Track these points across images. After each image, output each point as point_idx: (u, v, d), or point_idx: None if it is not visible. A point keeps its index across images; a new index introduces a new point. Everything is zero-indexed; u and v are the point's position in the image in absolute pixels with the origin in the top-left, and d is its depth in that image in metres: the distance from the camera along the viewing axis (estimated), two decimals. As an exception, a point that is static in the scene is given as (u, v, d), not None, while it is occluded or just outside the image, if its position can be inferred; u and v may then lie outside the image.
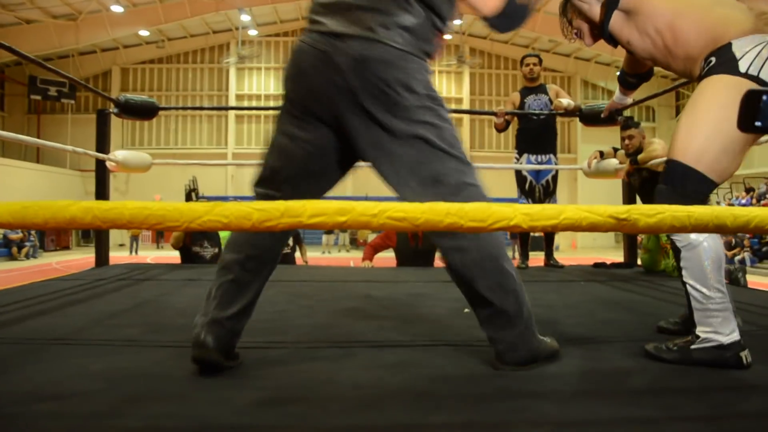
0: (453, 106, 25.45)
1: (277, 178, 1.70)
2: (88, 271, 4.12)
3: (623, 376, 1.58)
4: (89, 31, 23.72)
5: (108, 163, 4.20)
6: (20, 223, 0.74)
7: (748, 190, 20.10)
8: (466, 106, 28.19)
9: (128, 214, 0.73)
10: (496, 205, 0.80)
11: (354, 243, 25.42)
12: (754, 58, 1.63)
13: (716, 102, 1.66)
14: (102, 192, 4.49)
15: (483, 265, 1.62)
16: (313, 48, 1.56)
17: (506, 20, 1.66)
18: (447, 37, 27.60)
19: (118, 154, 4.13)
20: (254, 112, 28.23)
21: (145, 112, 4.32)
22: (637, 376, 1.57)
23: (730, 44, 1.68)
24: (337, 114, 1.58)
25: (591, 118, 4.57)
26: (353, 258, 19.19)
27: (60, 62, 25.72)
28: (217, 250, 5.80)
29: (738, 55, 1.66)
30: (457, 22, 25.12)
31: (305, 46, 1.59)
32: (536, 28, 24.39)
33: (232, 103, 27.47)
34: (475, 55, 28.02)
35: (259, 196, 1.75)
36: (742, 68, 1.64)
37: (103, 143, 4.48)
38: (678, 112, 24.39)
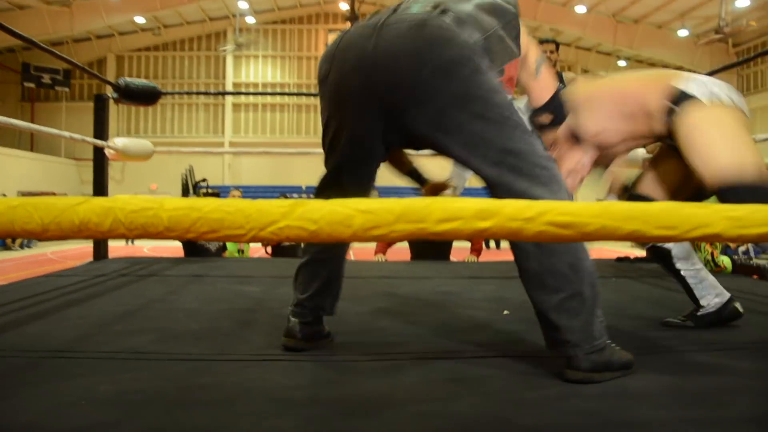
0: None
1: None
2: (86, 266, 3.87)
3: (721, 395, 1.34)
4: (84, 17, 23.26)
5: (107, 151, 3.94)
6: (7, 231, 0.49)
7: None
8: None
9: (167, 218, 0.49)
10: (689, 206, 0.56)
11: (353, 233, 25.16)
12: (704, 90, 1.76)
13: (720, 123, 1.75)
14: (100, 182, 4.23)
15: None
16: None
17: (543, 111, 1.72)
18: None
19: (117, 142, 3.87)
20: (251, 100, 27.84)
21: (146, 97, 4.05)
22: (739, 396, 1.33)
23: (679, 89, 1.78)
24: None
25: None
26: (354, 249, 18.95)
27: (54, 49, 25.19)
28: (218, 242, 5.56)
29: (691, 92, 1.76)
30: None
31: None
32: (537, 17, 24.06)
33: (229, 90, 27.10)
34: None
35: None
36: (705, 100, 1.75)
37: (101, 130, 4.22)
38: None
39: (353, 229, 0.48)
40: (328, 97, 1.56)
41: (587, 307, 1.42)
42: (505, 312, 2.33)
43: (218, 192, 5.74)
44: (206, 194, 5.31)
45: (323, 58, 1.58)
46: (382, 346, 1.79)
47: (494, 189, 1.44)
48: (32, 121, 26.45)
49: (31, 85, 24.49)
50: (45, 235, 0.50)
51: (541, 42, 4.74)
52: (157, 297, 2.60)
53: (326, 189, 1.69)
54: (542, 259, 1.42)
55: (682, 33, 22.97)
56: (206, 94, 24.24)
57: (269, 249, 6.38)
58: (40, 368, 1.52)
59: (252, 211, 0.49)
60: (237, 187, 6.44)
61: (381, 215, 0.48)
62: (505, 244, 20.02)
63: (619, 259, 4.53)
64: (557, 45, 4.65)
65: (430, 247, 4.93)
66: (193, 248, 5.34)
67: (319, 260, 1.72)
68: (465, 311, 2.36)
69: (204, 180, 6.01)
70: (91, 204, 0.50)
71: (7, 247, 18.19)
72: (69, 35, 24.33)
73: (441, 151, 1.50)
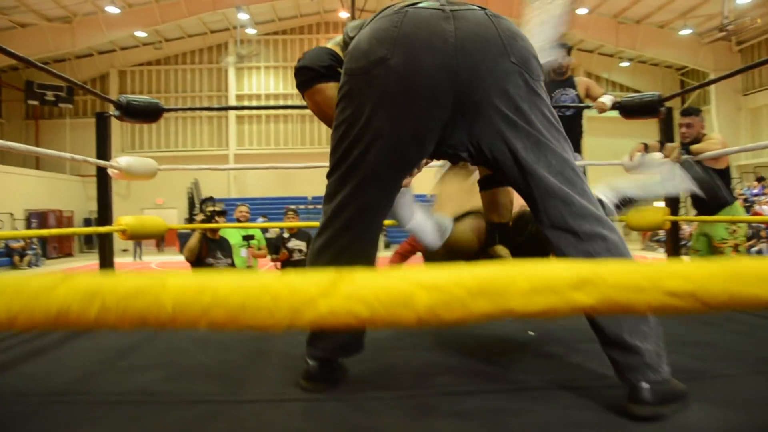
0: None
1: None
2: (91, 290, 3.76)
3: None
4: (85, 33, 23.30)
5: (110, 171, 3.83)
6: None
7: (759, 179, 19.68)
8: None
9: (172, 305, 0.37)
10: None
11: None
12: None
13: None
14: (104, 202, 4.12)
15: (627, 256, 1.37)
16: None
17: None
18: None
19: (121, 161, 3.76)
20: (255, 112, 27.82)
21: (148, 114, 3.94)
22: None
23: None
24: None
25: (633, 109, 4.20)
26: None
27: (56, 66, 25.31)
28: (230, 260, 5.44)
29: None
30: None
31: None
32: (539, 20, 23.97)
33: (232, 103, 27.05)
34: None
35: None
36: None
37: (103, 149, 4.10)
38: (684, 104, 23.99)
39: (417, 312, 0.36)
40: (382, 86, 1.33)
41: (654, 330, 1.31)
42: (531, 333, 2.20)
43: (225, 210, 5.61)
44: (213, 213, 5.18)
45: (374, 40, 1.34)
46: (408, 379, 1.67)
47: (551, 199, 1.34)
48: (37, 139, 26.54)
49: (35, 102, 24.54)
50: (13, 326, 0.38)
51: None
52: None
53: (347, 208, 1.47)
54: None
55: (685, 32, 22.81)
56: (209, 109, 23.95)
57: (278, 264, 6.27)
58: (40, 416, 1.40)
59: (281, 291, 0.37)
60: (244, 202, 6.32)
61: (452, 291, 0.36)
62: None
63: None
64: (569, 49, 4.53)
65: (446, 262, 4.81)
66: (201, 267, 5.21)
67: None
68: (489, 331, 2.23)
69: (210, 198, 5.87)
70: (73, 285, 0.38)
71: (15, 266, 18.14)
72: (71, 52, 24.38)
73: (498, 158, 1.37)
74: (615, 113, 4.29)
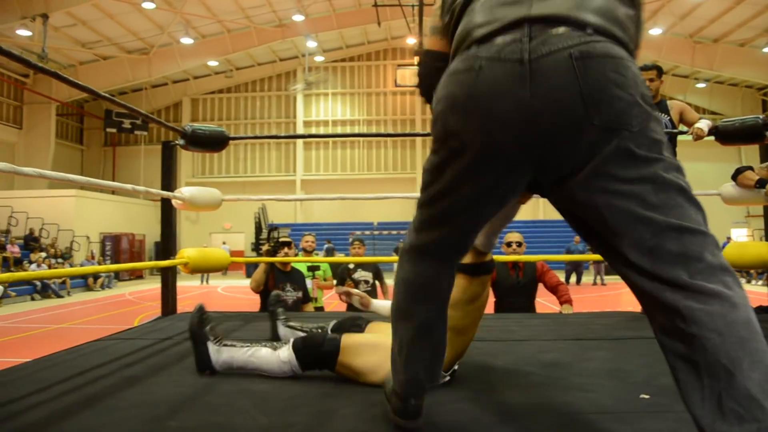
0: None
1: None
2: (152, 324, 3.65)
3: None
4: (161, 63, 24.22)
5: (174, 202, 3.74)
6: None
7: None
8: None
9: None
10: None
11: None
12: None
13: None
14: (168, 233, 4.04)
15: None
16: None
17: None
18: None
19: (185, 192, 3.67)
20: (322, 138, 28.15)
21: (213, 143, 3.84)
22: None
23: None
24: None
25: (733, 135, 3.82)
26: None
27: (134, 95, 26.40)
28: (301, 293, 5.28)
29: None
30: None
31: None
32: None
33: (300, 129, 27.44)
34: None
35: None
36: None
37: (168, 179, 4.03)
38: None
39: None
40: (460, 158, 1.24)
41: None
42: (644, 396, 1.89)
43: (291, 241, 5.47)
44: (277, 243, 5.05)
45: (447, 108, 1.24)
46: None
47: (644, 297, 1.12)
48: (114, 164, 27.64)
49: (113, 130, 25.58)
50: None
51: (641, 69, 4.28)
52: (224, 375, 2.29)
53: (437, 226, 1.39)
54: (724, 369, 1.00)
55: (768, 50, 21.72)
56: (276, 137, 24.43)
57: (344, 297, 6.08)
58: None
59: None
60: (309, 228, 6.16)
61: None
62: (588, 278, 19.05)
63: (761, 309, 3.95)
64: (660, 71, 4.18)
65: (515, 291, 4.51)
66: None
67: (430, 326, 1.46)
68: (582, 394, 1.93)
69: (276, 229, 5.80)
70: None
71: (89, 288, 18.71)
72: (147, 81, 25.39)
73: (580, 219, 1.22)
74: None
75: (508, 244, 4.59)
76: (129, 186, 3.01)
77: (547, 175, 1.20)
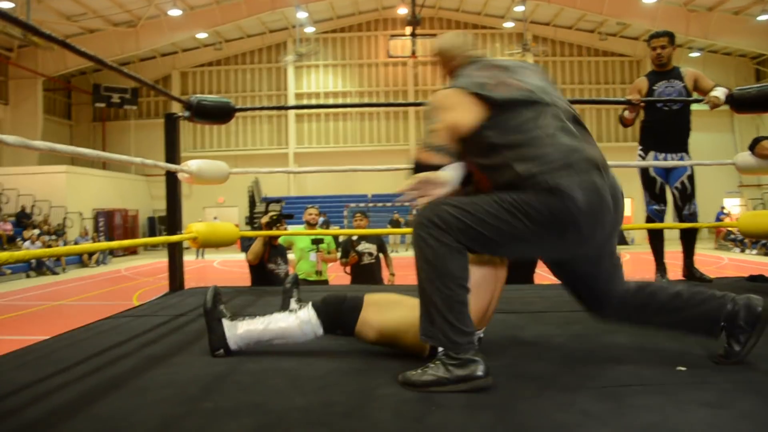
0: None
1: None
2: (162, 300, 3.58)
3: None
4: (149, 36, 23.76)
5: (180, 176, 3.65)
6: None
7: None
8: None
9: None
10: None
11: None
12: None
13: None
14: (174, 208, 3.94)
15: None
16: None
17: None
18: (509, 24, 26.58)
19: (192, 165, 3.57)
20: (314, 110, 27.86)
21: (219, 114, 3.75)
22: None
23: None
24: None
25: (749, 102, 3.75)
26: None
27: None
28: (288, 267, 5.28)
29: None
30: (519, 8, 24.09)
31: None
32: (604, 11, 23.10)
33: (291, 102, 27.11)
34: (539, 42, 26.85)
35: None
36: None
37: (172, 152, 3.92)
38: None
39: None
40: (570, 242, 1.80)
41: None
42: (681, 368, 1.86)
43: (292, 214, 5.41)
44: (279, 216, 4.97)
45: (582, 216, 1.75)
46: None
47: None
48: (104, 140, 27.29)
49: (102, 105, 25.19)
50: None
51: (651, 37, 4.19)
52: (240, 353, 2.23)
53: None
54: None
55: (763, 18, 21.48)
56: (276, 108, 23.86)
57: (348, 268, 6.04)
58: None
59: None
60: (305, 201, 6.10)
61: None
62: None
63: (752, 278, 3.94)
64: (672, 38, 4.10)
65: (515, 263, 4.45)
66: (264, 275, 5.02)
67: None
68: (619, 366, 1.89)
69: (277, 200, 5.69)
70: None
71: (83, 264, 18.59)
72: (135, 54, 24.93)
73: (582, 274, 1.97)
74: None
75: None
76: (138, 159, 2.92)
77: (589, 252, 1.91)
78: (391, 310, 2.05)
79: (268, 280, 4.93)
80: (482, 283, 2.00)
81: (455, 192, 1.91)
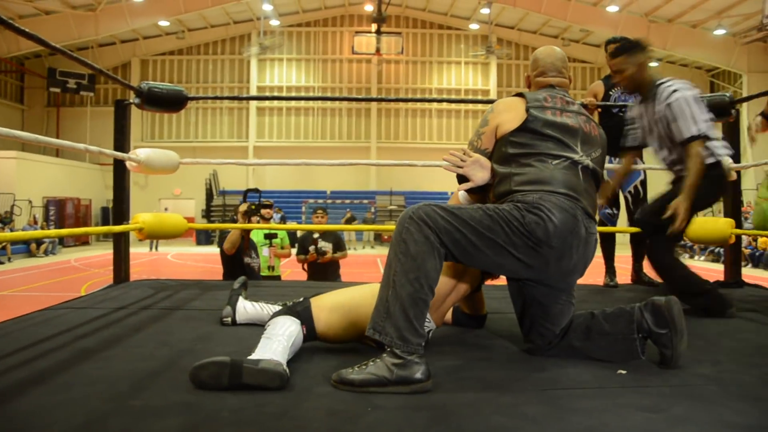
0: (480, 98, 24.47)
1: None
2: (105, 292, 3.47)
3: None
4: (108, 21, 23.16)
5: (128, 164, 3.53)
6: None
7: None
8: (493, 97, 27.27)
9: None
10: None
11: (379, 239, 24.69)
12: None
13: None
14: (121, 197, 3.83)
15: None
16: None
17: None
18: (474, 26, 26.75)
19: (140, 153, 3.46)
20: (276, 104, 27.58)
21: (171, 102, 3.64)
22: None
23: None
24: None
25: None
26: (380, 256, 18.54)
27: (79, 54, 25.16)
28: (259, 261, 5.21)
29: None
30: (485, 11, 24.28)
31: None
32: (568, 17, 23.45)
33: (254, 94, 26.79)
34: (503, 45, 27.11)
35: None
36: None
37: (122, 140, 3.81)
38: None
39: None
40: (541, 259, 1.90)
41: None
42: (621, 371, 1.87)
43: (271, 203, 5.36)
44: (258, 206, 4.89)
45: (554, 230, 1.88)
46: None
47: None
48: (58, 126, 26.52)
49: (57, 90, 24.45)
50: None
51: (608, 43, 4.21)
52: (185, 345, 2.16)
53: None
54: None
55: (719, 32, 22.15)
56: (234, 98, 23.44)
57: (305, 265, 5.98)
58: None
59: None
60: (270, 198, 6.07)
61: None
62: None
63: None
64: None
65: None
66: (239, 266, 4.90)
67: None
68: (560, 370, 1.89)
69: (256, 190, 5.58)
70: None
71: (31, 254, 18.03)
72: (94, 40, 24.28)
73: (539, 297, 2.05)
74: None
75: None
76: (81, 146, 2.81)
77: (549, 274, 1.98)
78: (339, 293, 2.15)
79: (244, 273, 4.82)
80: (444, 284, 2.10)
81: (469, 201, 2.18)
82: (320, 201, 24.73)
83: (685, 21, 22.68)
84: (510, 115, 2.07)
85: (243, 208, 4.92)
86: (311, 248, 5.86)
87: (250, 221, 4.91)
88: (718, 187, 3.00)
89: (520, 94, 2.16)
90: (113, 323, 2.57)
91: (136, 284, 3.78)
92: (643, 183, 4.15)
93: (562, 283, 2.02)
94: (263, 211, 5.22)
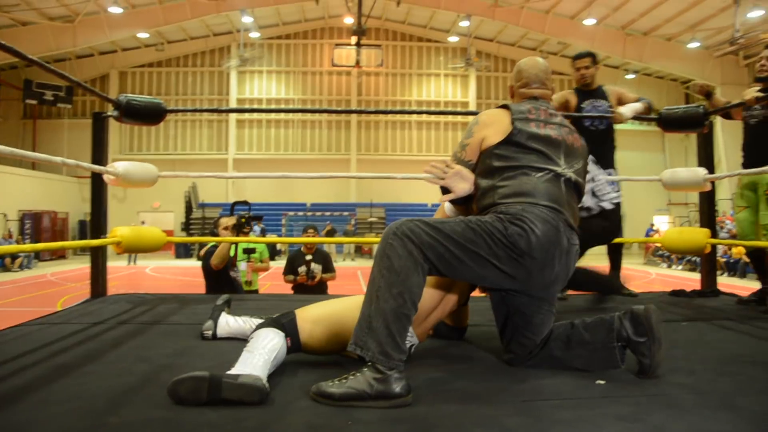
0: (460, 110, 24.62)
1: None
2: (82, 307, 3.42)
3: None
4: (87, 33, 22.97)
5: (106, 178, 3.50)
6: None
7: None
8: (472, 109, 27.46)
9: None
10: None
11: (359, 251, 24.66)
12: None
13: None
14: (98, 211, 3.80)
15: None
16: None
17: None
18: (454, 39, 26.97)
19: (118, 166, 3.43)
20: (255, 116, 27.51)
21: (149, 115, 3.61)
22: None
23: None
24: None
25: (675, 122, 3.89)
26: (361, 268, 18.51)
27: (56, 66, 24.83)
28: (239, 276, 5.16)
29: None
30: (464, 23, 24.49)
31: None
32: (546, 30, 23.73)
33: (233, 107, 26.72)
34: (482, 57, 27.35)
35: None
36: None
37: (99, 153, 3.79)
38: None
39: None
40: (523, 271, 1.91)
41: None
42: (599, 382, 1.88)
43: (262, 216, 5.27)
44: (249, 218, 4.81)
45: (538, 243, 1.90)
46: None
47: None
48: (34, 138, 26.18)
49: (34, 101, 24.17)
50: None
51: (575, 58, 4.24)
52: (164, 360, 2.14)
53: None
54: None
55: (693, 45, 22.59)
56: (213, 111, 23.38)
57: (293, 286, 5.96)
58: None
59: None
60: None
61: None
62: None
63: (674, 293, 4.07)
64: (594, 58, 4.15)
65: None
66: (226, 281, 4.79)
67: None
68: (539, 381, 1.90)
69: (245, 202, 5.51)
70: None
71: (6, 269, 17.73)
72: (72, 51, 24.10)
73: (520, 307, 2.08)
74: (641, 126, 3.97)
75: None
76: (59, 159, 2.78)
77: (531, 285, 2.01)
78: (324, 305, 2.16)
79: (231, 288, 4.74)
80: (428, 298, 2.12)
81: (455, 212, 2.20)
82: (300, 213, 24.68)
83: (661, 34, 23.09)
84: (495, 128, 2.10)
85: (231, 221, 4.84)
86: (301, 269, 5.84)
87: (240, 234, 4.77)
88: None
89: (504, 106, 2.19)
90: (90, 338, 2.53)
91: (114, 299, 3.73)
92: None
93: (544, 292, 2.04)
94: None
